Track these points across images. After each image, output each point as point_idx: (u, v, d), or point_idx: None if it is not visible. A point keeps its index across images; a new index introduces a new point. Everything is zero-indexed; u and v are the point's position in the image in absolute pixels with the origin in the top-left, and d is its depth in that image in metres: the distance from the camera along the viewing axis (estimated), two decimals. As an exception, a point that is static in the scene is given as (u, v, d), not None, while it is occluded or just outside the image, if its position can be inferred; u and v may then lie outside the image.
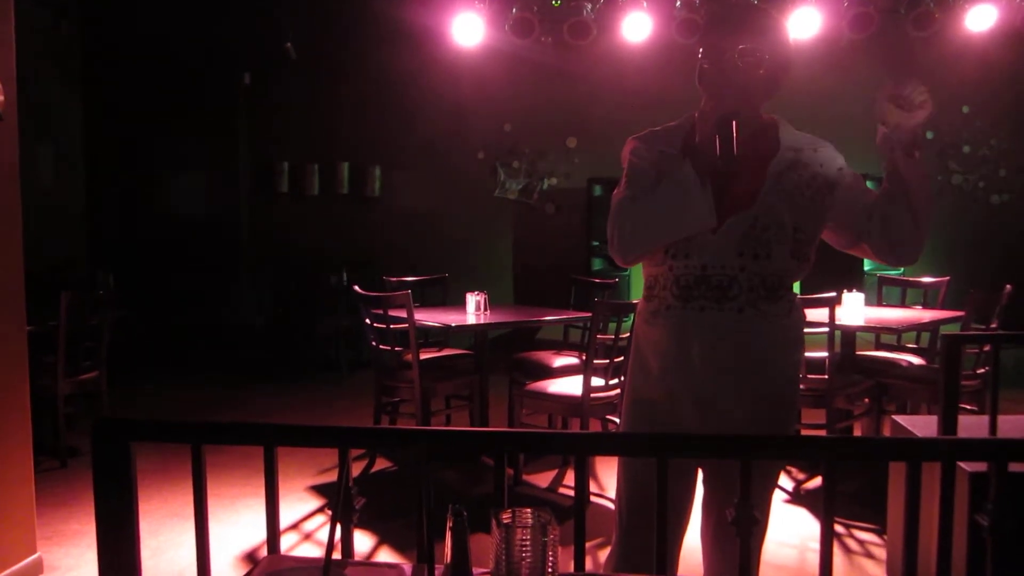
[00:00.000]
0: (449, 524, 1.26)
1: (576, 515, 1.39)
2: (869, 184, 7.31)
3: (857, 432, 4.60)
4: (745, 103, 1.93)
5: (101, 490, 1.38)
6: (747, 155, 1.89)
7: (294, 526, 3.86)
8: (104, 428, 1.39)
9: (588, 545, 3.61)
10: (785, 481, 4.45)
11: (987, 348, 4.05)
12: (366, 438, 1.29)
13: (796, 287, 2.11)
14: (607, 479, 4.43)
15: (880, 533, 3.67)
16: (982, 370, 4.31)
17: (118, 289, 5.69)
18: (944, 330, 4.55)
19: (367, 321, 4.56)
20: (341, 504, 1.39)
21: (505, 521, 1.25)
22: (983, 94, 7.89)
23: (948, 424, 2.42)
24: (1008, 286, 4.42)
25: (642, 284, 2.11)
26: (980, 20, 6.66)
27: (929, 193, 2.02)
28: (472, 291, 4.84)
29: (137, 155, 8.14)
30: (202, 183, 8.27)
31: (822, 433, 4.34)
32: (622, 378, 4.23)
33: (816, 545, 3.62)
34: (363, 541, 3.61)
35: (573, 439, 1.31)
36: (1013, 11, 6.61)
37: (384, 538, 3.65)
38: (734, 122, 1.85)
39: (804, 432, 4.63)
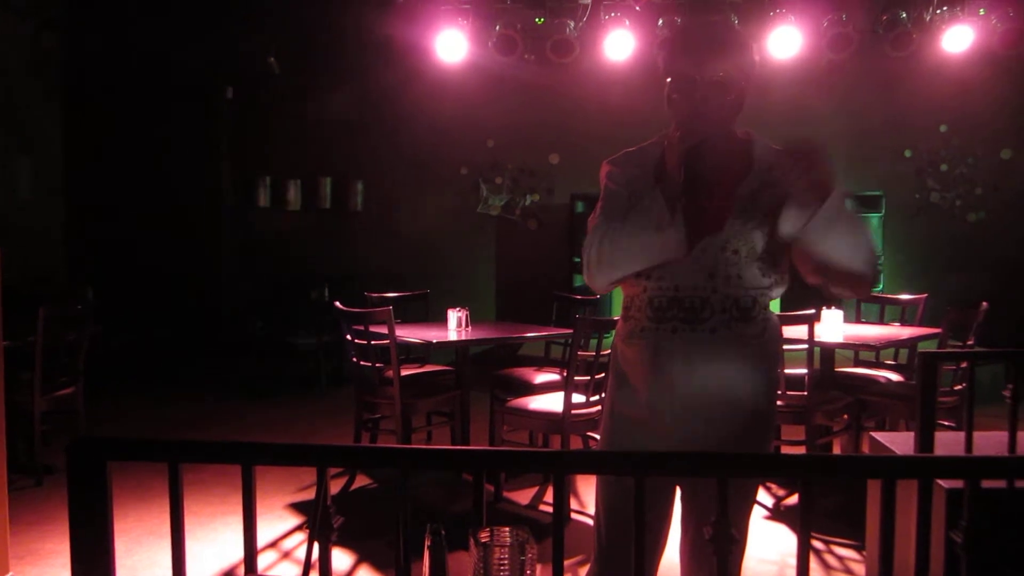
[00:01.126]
0: (427, 543, 1.26)
1: (555, 533, 1.39)
2: (848, 203, 7.29)
3: (836, 448, 4.63)
4: (715, 128, 1.92)
5: (76, 510, 1.36)
6: (717, 179, 1.89)
7: (273, 544, 3.83)
8: (79, 447, 1.38)
9: (568, 563, 3.60)
10: (765, 497, 4.46)
11: (964, 365, 4.09)
12: (343, 457, 1.29)
13: (775, 304, 2.11)
14: (588, 496, 4.42)
15: (859, 549, 3.69)
16: (959, 386, 4.35)
17: (97, 304, 5.65)
18: (922, 347, 4.59)
19: (348, 337, 4.54)
20: (319, 523, 1.39)
21: (483, 540, 1.25)
22: (960, 113, 8.00)
23: (925, 441, 2.44)
24: (984, 303, 4.47)
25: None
26: (957, 41, 6.77)
27: (854, 241, 1.89)
28: (454, 307, 4.84)
29: (117, 169, 8.09)
30: (183, 197, 8.22)
31: (802, 450, 4.36)
32: (603, 395, 4.23)
33: (797, 563, 3.62)
34: (343, 560, 3.58)
35: (551, 457, 1.31)
36: (989, 32, 6.72)
37: (364, 557, 3.62)
38: (703, 151, 1.85)
39: (784, 449, 4.65)
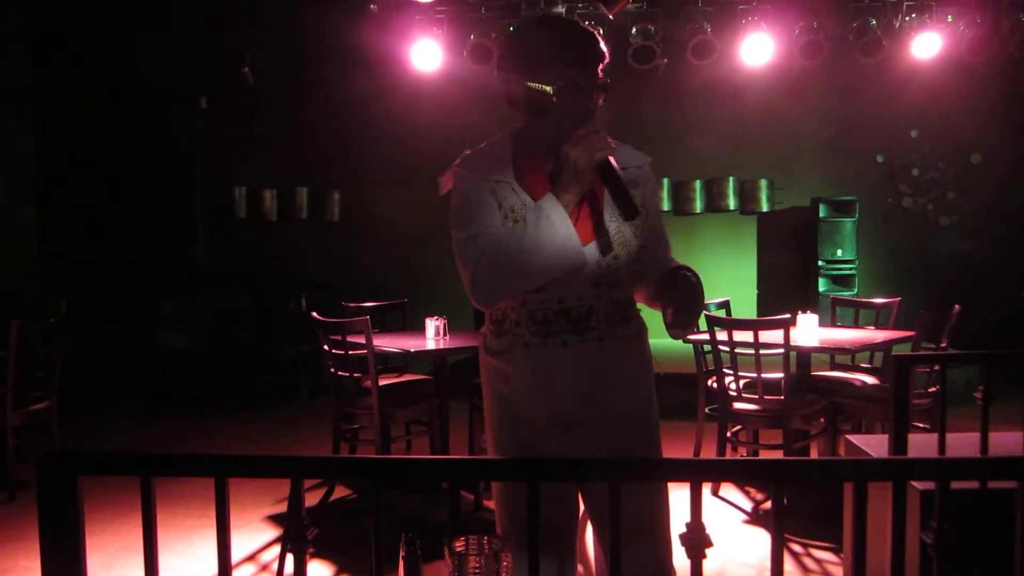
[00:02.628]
0: (401, 553, 1.25)
1: (529, 541, 1.39)
2: (822, 207, 7.32)
3: (814, 451, 4.66)
4: (604, 132, 1.84)
5: (47, 526, 1.35)
6: (593, 182, 1.84)
7: (251, 557, 3.79)
8: (49, 462, 1.36)
9: (549, 570, 3.60)
10: (743, 501, 4.48)
11: (937, 367, 4.13)
12: (317, 468, 1.29)
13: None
14: (568, 503, 4.42)
15: (837, 552, 3.71)
16: (934, 388, 4.40)
17: (71, 316, 5.59)
18: (896, 350, 4.64)
19: (325, 347, 4.52)
20: (293, 535, 1.38)
21: (458, 549, 1.25)
22: (930, 118, 8.12)
23: (899, 443, 2.46)
24: (956, 306, 4.53)
25: None
26: (926, 48, 6.88)
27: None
28: (432, 316, 4.83)
29: (91, 180, 8.03)
30: (158, 208, 8.16)
31: (779, 453, 4.39)
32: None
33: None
34: (322, 572, 3.56)
35: (522, 465, 1.31)
36: (957, 39, 6.83)
37: (343, 568, 3.60)
38: (611, 162, 1.80)
39: (761, 453, 4.68)
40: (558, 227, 1.79)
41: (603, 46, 1.91)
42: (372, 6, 6.92)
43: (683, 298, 1.82)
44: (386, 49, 7.16)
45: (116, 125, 7.88)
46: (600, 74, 1.88)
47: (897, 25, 6.93)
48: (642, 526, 1.95)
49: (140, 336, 7.84)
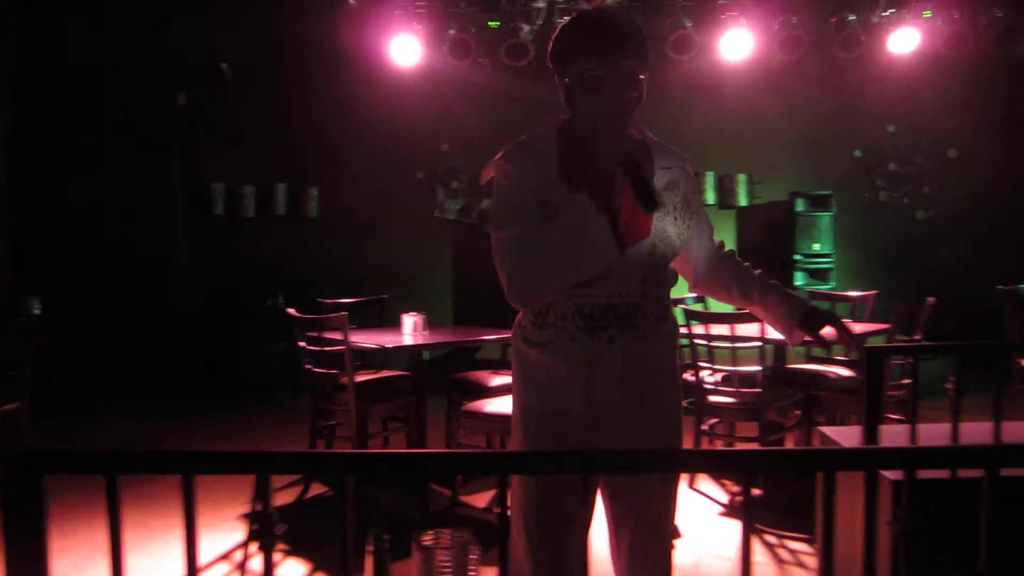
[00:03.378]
0: (369, 548, 1.25)
1: (500, 535, 1.39)
2: (800, 202, 7.36)
3: (789, 443, 4.69)
4: (623, 127, 1.89)
5: (10, 527, 1.33)
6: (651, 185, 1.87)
7: (226, 556, 3.77)
8: (13, 461, 1.35)
9: (527, 565, 3.60)
10: (720, 494, 4.51)
11: (911, 359, 4.16)
12: (284, 463, 1.28)
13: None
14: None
15: (811, 543, 3.74)
16: (908, 380, 4.43)
17: (45, 315, 5.52)
18: (872, 342, 4.67)
19: (302, 344, 4.50)
20: (261, 531, 1.37)
21: (425, 543, 1.24)
22: (907, 113, 8.17)
23: (870, 433, 2.48)
24: (931, 299, 4.57)
25: None
26: (903, 42, 6.93)
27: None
28: (409, 312, 4.82)
29: (66, 177, 7.93)
30: (134, 205, 8.07)
31: (755, 446, 4.42)
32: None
33: (754, 558, 3.67)
34: (296, 569, 3.54)
35: (498, 459, 1.31)
36: (934, 34, 6.89)
37: (318, 565, 3.58)
38: (638, 161, 1.85)
39: (737, 445, 4.70)
40: (582, 225, 1.83)
41: (630, 38, 1.87)
42: (351, 0, 6.87)
43: (838, 326, 2.02)
44: (365, 44, 7.12)
45: (92, 121, 7.79)
46: (628, 65, 1.84)
47: (875, 20, 6.97)
48: (660, 528, 2.04)
49: (116, 335, 7.76)
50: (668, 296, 2.02)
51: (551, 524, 1.98)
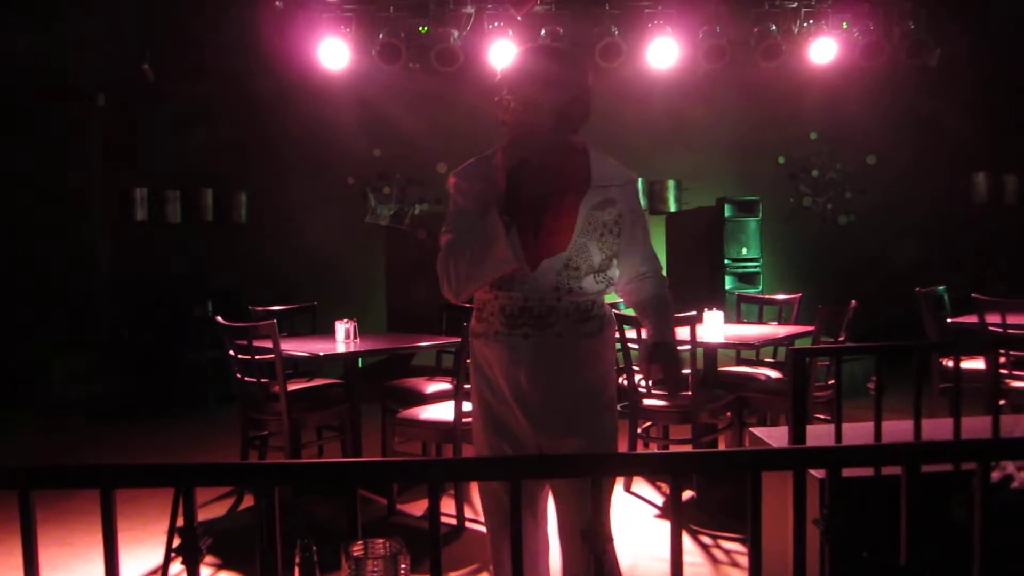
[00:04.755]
0: (296, 560, 1.22)
1: (431, 542, 1.37)
2: (727, 207, 7.48)
3: (722, 445, 4.77)
4: (535, 144, 2.15)
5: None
6: (544, 198, 2.11)
7: (153, 572, 3.66)
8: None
9: (460, 573, 3.59)
10: (655, 496, 4.56)
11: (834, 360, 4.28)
12: (206, 476, 1.24)
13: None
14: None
15: (745, 542, 3.80)
16: (833, 381, 4.55)
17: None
18: (798, 344, 4.79)
19: (231, 353, 4.40)
20: (185, 546, 1.33)
21: (355, 553, 1.22)
22: (829, 121, 8.42)
23: (797, 434, 2.54)
24: (853, 301, 4.70)
25: None
26: (822, 53, 7.13)
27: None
28: (342, 319, 4.76)
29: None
30: (51, 210, 7.78)
31: (688, 447, 4.48)
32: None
33: (689, 558, 3.71)
34: (228, 583, 3.46)
35: (424, 467, 1.29)
36: (852, 45, 7.11)
37: (250, 578, 3.51)
38: (523, 172, 2.08)
39: (672, 447, 4.76)
40: (489, 233, 2.10)
41: (534, 69, 2.19)
42: (277, 2, 6.77)
43: (664, 374, 2.26)
44: (293, 47, 7.02)
45: (5, 121, 7.49)
46: (528, 92, 2.15)
47: (795, 31, 7.16)
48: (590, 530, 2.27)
49: (37, 345, 7.48)
50: (592, 300, 2.24)
51: (500, 522, 2.29)
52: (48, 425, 6.68)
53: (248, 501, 4.55)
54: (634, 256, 2.31)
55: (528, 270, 2.15)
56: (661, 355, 2.25)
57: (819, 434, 3.28)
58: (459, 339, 4.49)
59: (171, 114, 7.91)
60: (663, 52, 6.98)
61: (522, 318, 2.19)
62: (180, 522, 1.20)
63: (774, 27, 7.07)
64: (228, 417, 6.82)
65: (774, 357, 5.58)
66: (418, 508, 4.45)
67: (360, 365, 4.89)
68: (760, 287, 7.89)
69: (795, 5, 7.10)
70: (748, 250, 7.95)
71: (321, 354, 4.29)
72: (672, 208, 8.28)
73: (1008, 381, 4.43)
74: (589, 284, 2.21)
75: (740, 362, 5.39)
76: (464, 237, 2.16)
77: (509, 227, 2.09)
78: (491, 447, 2.29)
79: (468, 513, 4.29)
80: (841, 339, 4.66)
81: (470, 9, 6.82)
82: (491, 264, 2.11)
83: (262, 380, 4.33)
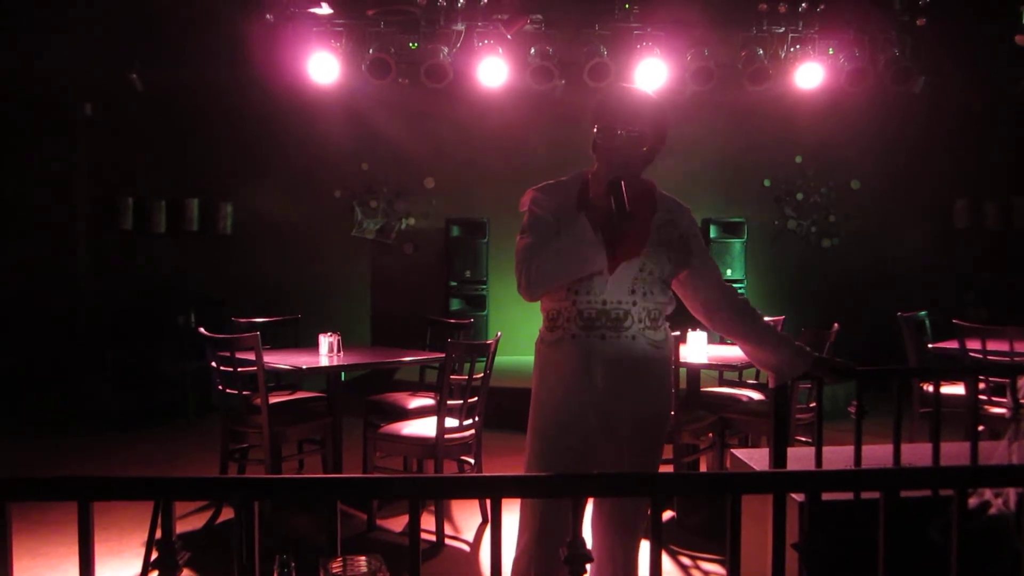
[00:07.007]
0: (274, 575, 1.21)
1: (410, 559, 1.37)
2: (712, 228, 7.55)
3: (703, 465, 4.77)
4: (628, 171, 2.39)
5: None
6: (636, 212, 2.35)
7: (129, 585, 3.62)
8: None
9: (441, 589, 3.57)
10: (636, 516, 4.54)
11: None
12: (184, 489, 1.23)
13: None
14: (462, 522, 4.40)
15: (725, 564, 3.80)
16: (815, 404, 4.57)
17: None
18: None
19: (213, 364, 4.37)
20: (162, 560, 1.32)
21: (334, 571, 1.22)
22: (814, 145, 8.50)
23: (778, 457, 2.55)
24: (836, 324, 4.73)
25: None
26: (809, 77, 7.20)
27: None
28: (326, 332, 4.74)
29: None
30: (37, 219, 7.73)
31: (669, 468, 4.48)
32: (476, 419, 4.23)
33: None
34: (204, 597, 3.42)
35: (405, 484, 1.29)
36: (837, 71, 7.19)
37: (227, 593, 3.47)
38: (623, 184, 2.30)
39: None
40: (578, 236, 2.33)
41: (646, 106, 2.44)
42: (268, 16, 6.78)
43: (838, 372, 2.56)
44: (283, 60, 7.02)
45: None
46: (639, 128, 2.39)
47: (782, 55, 7.23)
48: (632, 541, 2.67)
49: (15, 354, 7.40)
50: (660, 310, 2.45)
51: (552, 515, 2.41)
52: (26, 435, 6.61)
53: (226, 514, 4.51)
54: (713, 274, 2.55)
55: (608, 273, 2.35)
56: (823, 365, 2.57)
57: (800, 456, 3.29)
58: (443, 354, 4.48)
59: (158, 124, 7.89)
60: (651, 73, 7.03)
61: (599, 320, 2.37)
62: (159, 534, 1.19)
63: (761, 51, 7.14)
64: (208, 428, 6.77)
65: (756, 379, 5.59)
66: (398, 524, 4.42)
67: (343, 379, 4.87)
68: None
69: (782, 30, 7.18)
70: (733, 271, 7.99)
71: (304, 367, 4.27)
72: (658, 228, 8.31)
73: (987, 407, 4.46)
74: (659, 293, 2.42)
75: (723, 383, 5.40)
76: (545, 240, 2.36)
77: (596, 232, 2.32)
78: (546, 456, 2.42)
79: (448, 530, 4.27)
80: (823, 362, 4.67)
81: (460, 26, 6.85)
82: (577, 263, 2.33)
83: (244, 392, 4.31)
